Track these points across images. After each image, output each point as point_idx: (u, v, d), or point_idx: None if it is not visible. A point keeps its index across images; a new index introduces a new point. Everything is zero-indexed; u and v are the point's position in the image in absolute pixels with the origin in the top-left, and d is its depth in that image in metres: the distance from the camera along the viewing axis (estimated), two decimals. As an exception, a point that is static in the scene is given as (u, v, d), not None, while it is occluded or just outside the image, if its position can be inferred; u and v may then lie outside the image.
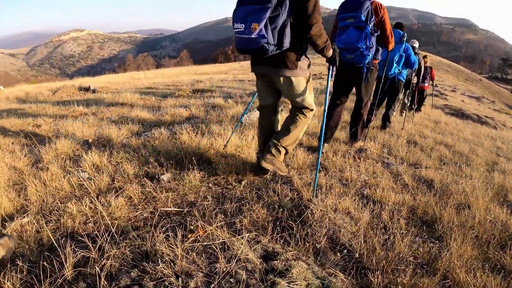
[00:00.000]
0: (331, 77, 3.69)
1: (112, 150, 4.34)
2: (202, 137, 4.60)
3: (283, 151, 3.55)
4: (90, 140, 4.98)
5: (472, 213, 3.40)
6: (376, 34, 4.62)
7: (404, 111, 9.77)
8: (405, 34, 6.70)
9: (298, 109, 3.53)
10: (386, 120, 7.27)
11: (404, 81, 7.42)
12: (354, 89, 5.21)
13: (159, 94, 10.78)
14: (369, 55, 4.59)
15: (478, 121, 13.75)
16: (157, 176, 3.61)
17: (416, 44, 8.51)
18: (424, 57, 10.52)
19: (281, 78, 3.27)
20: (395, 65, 6.81)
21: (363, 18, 4.38)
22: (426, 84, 12.33)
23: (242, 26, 2.88)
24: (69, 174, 3.68)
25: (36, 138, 5.15)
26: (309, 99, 3.47)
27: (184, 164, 3.91)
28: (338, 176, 3.97)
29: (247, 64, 41.29)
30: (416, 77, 9.22)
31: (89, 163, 3.90)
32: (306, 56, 3.34)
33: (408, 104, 9.80)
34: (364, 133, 5.56)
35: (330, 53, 3.33)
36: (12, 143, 5.20)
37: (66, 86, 12.79)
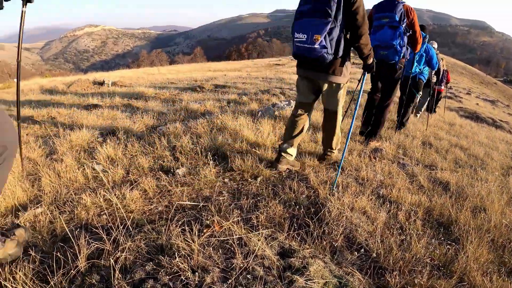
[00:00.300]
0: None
1: (127, 143, 4.34)
2: (217, 132, 4.58)
3: (335, 151, 4.18)
4: (104, 133, 5.00)
5: (488, 217, 3.34)
6: (408, 34, 5.04)
7: (420, 112, 9.72)
8: (427, 35, 7.05)
9: (329, 115, 3.98)
10: (402, 119, 7.28)
11: (425, 80, 7.59)
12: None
13: (174, 89, 10.79)
14: (401, 52, 4.99)
15: (493, 124, 13.53)
16: (172, 170, 3.61)
17: (435, 45, 8.64)
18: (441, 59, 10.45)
19: (326, 83, 3.67)
20: (415, 64, 6.94)
21: (397, 19, 4.83)
22: (442, 87, 12.24)
23: (304, 37, 3.28)
24: (84, 166, 3.69)
25: (50, 130, 5.18)
26: (341, 103, 3.85)
27: (199, 158, 3.90)
28: (354, 175, 3.93)
29: (260, 62, 41.24)
30: (435, 76, 9.21)
31: (103, 155, 3.91)
32: (349, 64, 3.70)
33: (426, 105, 9.76)
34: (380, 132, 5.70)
35: (370, 60, 3.67)
36: (27, 134, 5.23)
37: (81, 80, 12.85)
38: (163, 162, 3.80)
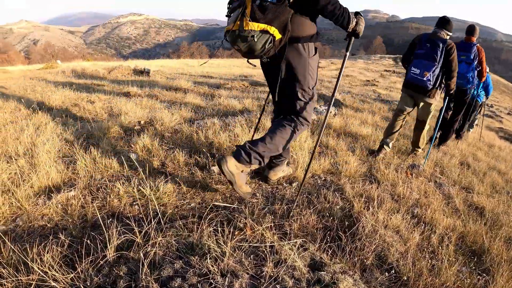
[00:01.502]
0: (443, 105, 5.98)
1: (164, 134, 4.36)
2: (256, 132, 4.55)
3: (420, 150, 5.62)
4: (142, 122, 5.04)
5: (521, 250, 3.19)
6: (478, 69, 6.76)
7: (472, 128, 10.75)
8: (487, 68, 8.60)
9: (419, 124, 5.43)
10: (459, 132, 8.88)
11: (481, 102, 9.33)
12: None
13: (213, 83, 10.82)
14: (472, 82, 6.75)
15: (534, 150, 13.04)
16: (207, 167, 3.59)
17: (487, 68, 9.19)
18: None
19: (423, 102, 5.15)
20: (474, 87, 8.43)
21: (472, 57, 6.57)
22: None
23: (418, 71, 4.93)
24: (120, 153, 3.73)
25: (89, 114, 5.27)
26: (430, 117, 5.34)
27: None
28: (390, 191, 3.82)
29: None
30: (485, 96, 9.95)
31: (140, 145, 3.94)
32: (441, 91, 5.19)
33: (470, 121, 10.06)
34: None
35: (452, 91, 5.20)
36: (66, 116, 5.34)
37: (122, 66, 13.03)
38: (199, 157, 3.79)
